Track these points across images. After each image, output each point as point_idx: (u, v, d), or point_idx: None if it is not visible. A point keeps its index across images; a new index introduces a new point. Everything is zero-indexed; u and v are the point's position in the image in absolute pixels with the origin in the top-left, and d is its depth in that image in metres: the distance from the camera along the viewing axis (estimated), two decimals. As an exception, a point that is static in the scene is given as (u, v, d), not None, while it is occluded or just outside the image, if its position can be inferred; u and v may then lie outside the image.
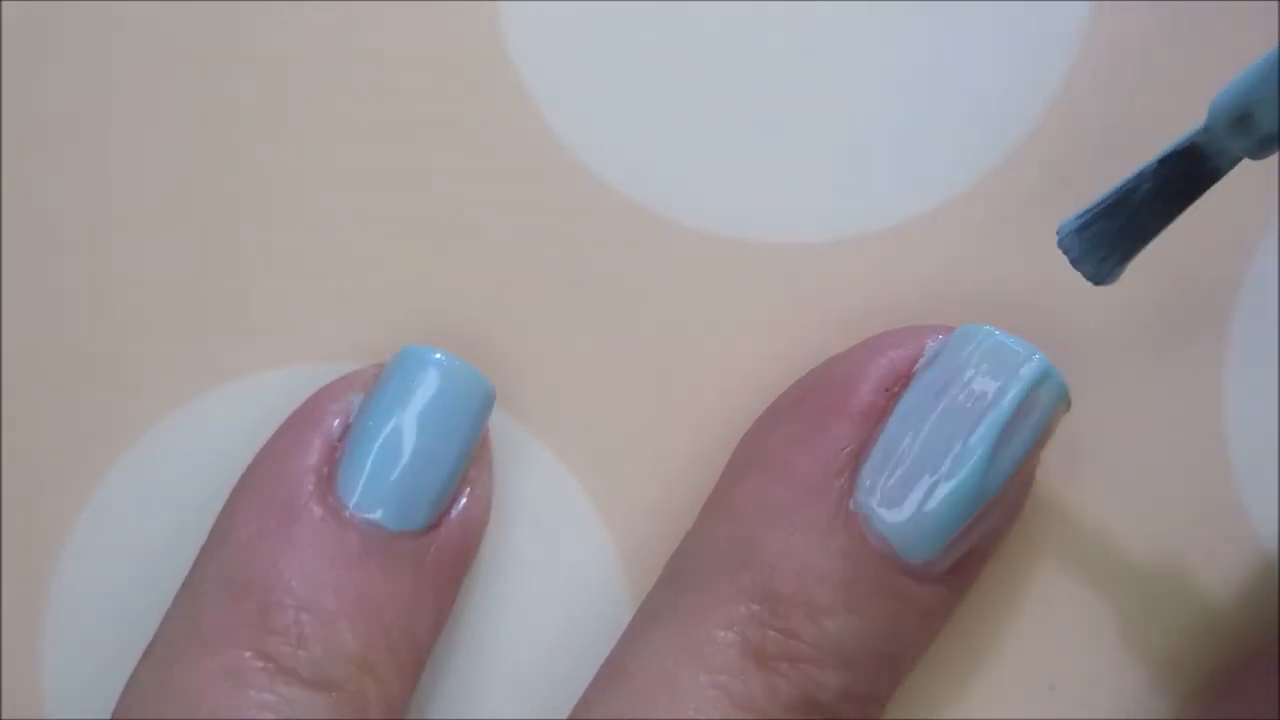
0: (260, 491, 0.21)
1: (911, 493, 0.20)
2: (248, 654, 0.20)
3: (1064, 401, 0.20)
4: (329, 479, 0.21)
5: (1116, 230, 0.19)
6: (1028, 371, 0.20)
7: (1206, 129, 0.18)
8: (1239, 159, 0.18)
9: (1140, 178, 0.18)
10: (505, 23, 0.23)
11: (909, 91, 0.23)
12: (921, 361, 0.20)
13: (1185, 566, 0.22)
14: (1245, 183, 0.22)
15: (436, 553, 0.21)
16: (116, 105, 0.23)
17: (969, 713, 0.22)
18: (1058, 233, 0.19)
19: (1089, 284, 0.22)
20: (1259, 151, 0.17)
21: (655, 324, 0.23)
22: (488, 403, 0.21)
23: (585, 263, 0.23)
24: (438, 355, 0.21)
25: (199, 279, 0.23)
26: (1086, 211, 0.19)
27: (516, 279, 0.23)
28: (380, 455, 0.21)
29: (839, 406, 0.20)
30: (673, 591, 0.21)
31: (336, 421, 0.21)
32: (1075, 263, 0.19)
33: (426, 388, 0.21)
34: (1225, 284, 0.22)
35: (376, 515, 0.20)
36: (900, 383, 0.20)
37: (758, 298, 0.23)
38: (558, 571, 0.22)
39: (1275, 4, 0.22)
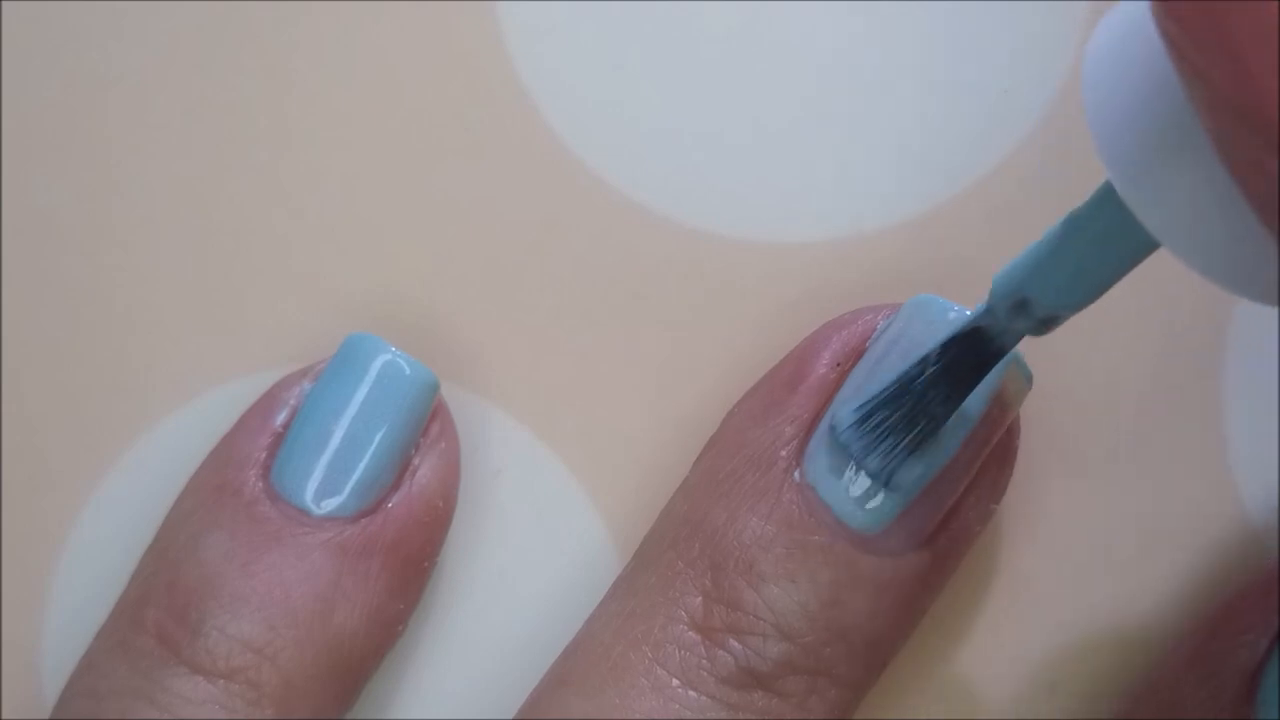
0: (203, 474, 0.21)
1: None
2: (148, 636, 0.20)
3: (1018, 369, 0.20)
4: (267, 464, 0.21)
5: (902, 419, 0.19)
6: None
7: (989, 311, 0.18)
8: (1022, 336, 0.18)
9: (923, 362, 0.18)
10: (505, 23, 0.23)
11: (909, 91, 0.23)
12: (872, 337, 0.21)
13: (1185, 566, 0.22)
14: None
15: (365, 540, 0.21)
16: (116, 105, 0.23)
17: (970, 713, 0.22)
18: (833, 426, 0.19)
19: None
20: (1042, 330, 0.18)
21: (655, 323, 0.23)
22: (424, 391, 0.21)
23: (585, 262, 0.23)
24: (375, 343, 0.21)
25: (199, 279, 0.23)
26: (865, 403, 0.19)
27: (516, 279, 0.23)
28: (310, 441, 0.21)
29: (791, 383, 0.21)
30: (632, 569, 0.21)
31: (285, 410, 0.21)
32: (857, 459, 0.19)
33: (361, 375, 0.21)
34: (1225, 284, 0.22)
35: (303, 500, 0.21)
36: (851, 359, 0.20)
37: (758, 298, 0.23)
38: (559, 571, 0.22)
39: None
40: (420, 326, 0.23)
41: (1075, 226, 0.17)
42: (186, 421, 0.23)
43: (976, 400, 0.19)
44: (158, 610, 0.20)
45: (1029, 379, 0.20)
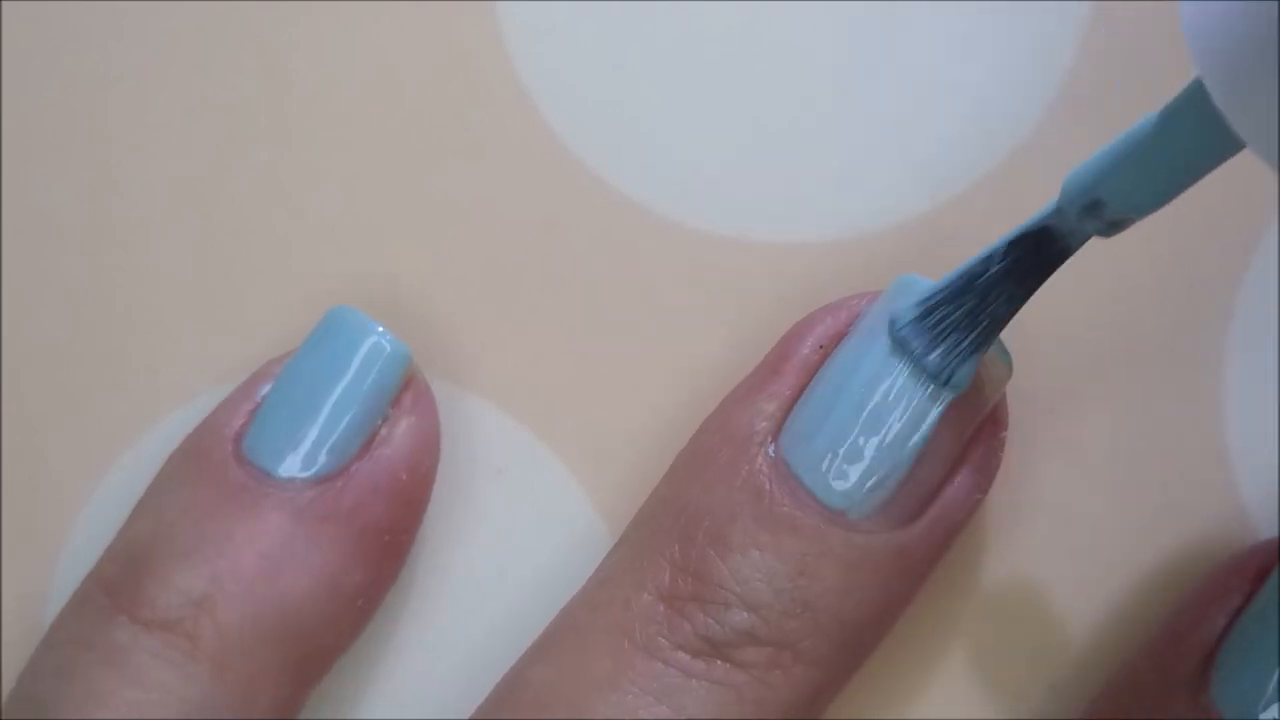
0: (185, 442, 0.22)
1: None
2: (100, 588, 0.20)
3: (997, 354, 0.20)
4: (242, 432, 0.21)
5: (965, 316, 0.18)
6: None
7: (1058, 211, 0.18)
8: (1089, 237, 0.18)
9: (989, 259, 0.18)
10: (505, 22, 0.23)
11: (909, 91, 0.23)
12: (856, 320, 0.21)
13: (1185, 566, 0.22)
14: (1245, 182, 0.22)
15: (321, 504, 0.21)
16: (116, 105, 0.23)
17: (969, 713, 0.22)
18: (893, 322, 0.19)
19: (1088, 284, 0.22)
20: (1110, 232, 0.17)
21: (655, 323, 0.23)
22: (392, 362, 0.21)
23: (585, 262, 0.23)
24: (354, 316, 0.21)
25: (199, 280, 0.23)
26: (929, 297, 0.19)
27: (516, 279, 0.23)
28: (278, 406, 0.21)
29: (776, 365, 0.21)
30: (612, 549, 0.21)
31: (270, 382, 0.22)
32: (917, 357, 0.19)
33: (328, 343, 0.21)
34: (1225, 284, 0.22)
35: (265, 462, 0.21)
36: (834, 341, 0.20)
37: (758, 298, 0.23)
38: (559, 570, 0.22)
39: (1275, 3, 0.22)
40: (420, 326, 0.23)
41: (1159, 129, 0.16)
42: (186, 421, 0.23)
43: (956, 384, 0.19)
44: (111, 564, 0.21)
45: (1009, 365, 0.20)
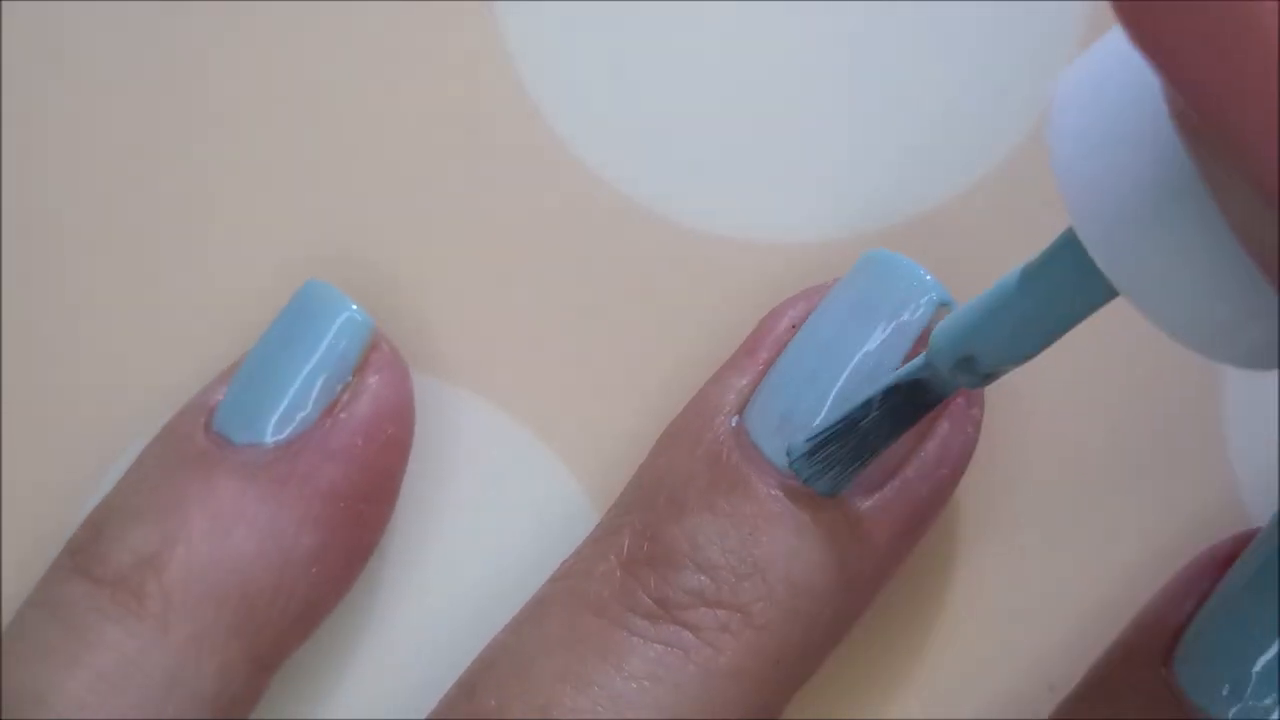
0: (171, 418, 0.22)
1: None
2: (65, 553, 0.21)
3: (942, 306, 0.20)
4: (214, 407, 0.21)
5: (847, 452, 0.19)
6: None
7: (929, 366, 0.18)
8: (963, 386, 0.18)
9: (867, 406, 0.19)
10: (505, 23, 0.23)
11: (909, 91, 0.23)
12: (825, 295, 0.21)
13: (1185, 566, 0.22)
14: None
15: (276, 467, 0.21)
16: (118, 106, 0.23)
17: (969, 713, 0.22)
18: (788, 454, 0.19)
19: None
20: (982, 384, 0.18)
21: (655, 323, 0.23)
22: (349, 328, 0.21)
23: (585, 262, 0.23)
24: (314, 285, 0.22)
25: (200, 280, 0.23)
26: (815, 436, 0.19)
27: (516, 279, 0.23)
28: (242, 376, 0.21)
29: (751, 345, 0.21)
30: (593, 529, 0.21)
31: None
32: (808, 482, 0.19)
33: (291, 314, 0.22)
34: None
35: (226, 428, 0.21)
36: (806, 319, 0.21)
37: (758, 298, 0.23)
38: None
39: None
40: (420, 326, 0.23)
41: (1027, 284, 0.17)
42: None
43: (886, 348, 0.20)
44: (80, 530, 0.21)
45: (952, 308, 0.20)
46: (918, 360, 0.18)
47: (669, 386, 0.23)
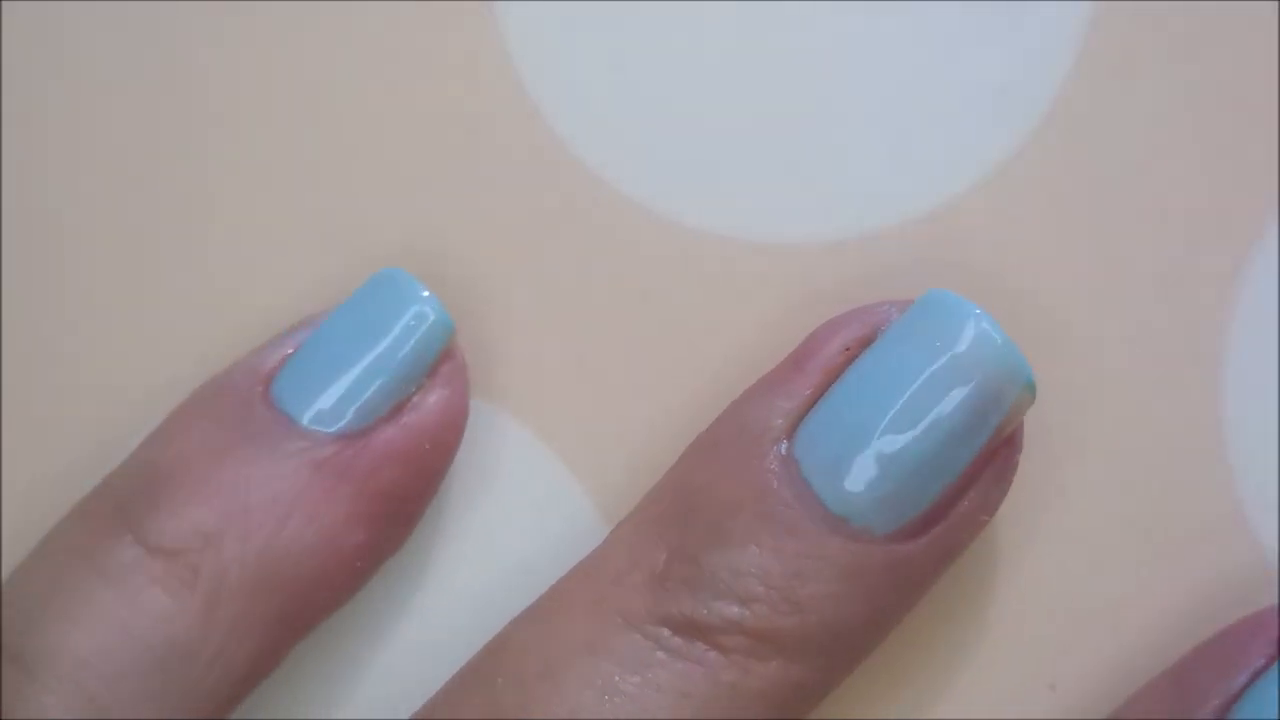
0: (216, 376, 0.22)
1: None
2: (108, 503, 0.20)
3: (1026, 391, 0.20)
4: (273, 374, 0.21)
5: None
6: (981, 357, 0.19)
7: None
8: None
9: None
10: (505, 23, 0.23)
11: (909, 91, 0.23)
12: (884, 328, 0.20)
13: (1185, 566, 0.22)
14: (1244, 182, 0.22)
15: (340, 460, 0.21)
16: (119, 105, 0.23)
17: (969, 713, 0.22)
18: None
19: (1089, 284, 0.22)
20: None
21: (655, 323, 0.23)
22: (434, 330, 0.21)
23: (585, 262, 0.23)
24: (396, 273, 0.21)
25: (201, 279, 0.23)
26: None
27: (516, 279, 0.23)
28: (312, 355, 0.21)
29: (799, 362, 0.20)
30: (618, 526, 0.21)
31: (310, 329, 0.22)
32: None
33: (373, 301, 0.21)
34: (1225, 284, 0.22)
35: (291, 408, 0.21)
36: (860, 346, 0.20)
37: (758, 298, 0.23)
38: (559, 571, 0.22)
39: (1275, 4, 0.23)
40: (420, 326, 0.23)
41: None
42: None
43: (961, 417, 0.19)
44: (124, 480, 0.21)
45: (1033, 393, 0.20)
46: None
47: (669, 386, 0.23)
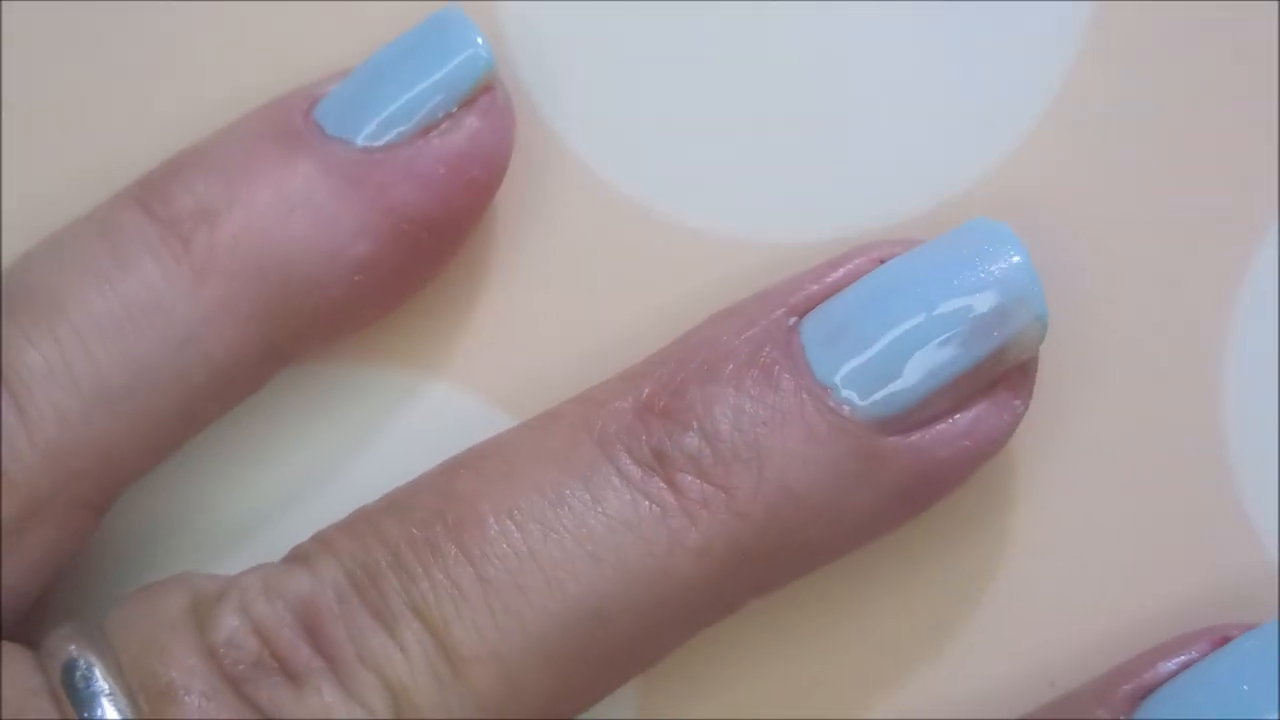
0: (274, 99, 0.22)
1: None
2: (135, 183, 0.21)
3: (1039, 321, 0.20)
4: (322, 97, 0.22)
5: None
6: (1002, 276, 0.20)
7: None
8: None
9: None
10: (505, 22, 0.23)
11: (909, 91, 0.23)
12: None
13: (1185, 566, 0.22)
14: (1245, 182, 0.22)
15: (353, 166, 0.21)
16: (119, 104, 0.23)
17: (970, 711, 0.22)
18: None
19: (1089, 283, 0.22)
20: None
21: (655, 324, 0.23)
22: (471, 61, 0.21)
23: (584, 262, 0.23)
24: (451, 9, 0.21)
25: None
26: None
27: (516, 278, 0.23)
28: (355, 76, 0.21)
29: (835, 262, 0.21)
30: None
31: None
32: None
33: (419, 31, 0.21)
34: (1225, 284, 0.22)
35: (322, 117, 0.21)
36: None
37: (758, 297, 0.23)
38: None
39: (1275, 4, 0.23)
40: (419, 326, 0.23)
41: None
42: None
43: (987, 327, 0.20)
44: (161, 165, 0.21)
45: (1044, 325, 0.20)
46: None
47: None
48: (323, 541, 0.20)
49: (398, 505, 0.20)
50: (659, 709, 0.22)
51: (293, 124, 0.21)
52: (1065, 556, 0.22)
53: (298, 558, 0.20)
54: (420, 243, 0.21)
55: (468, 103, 0.21)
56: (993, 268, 0.20)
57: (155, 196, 0.21)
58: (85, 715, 0.18)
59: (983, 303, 0.20)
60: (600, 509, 0.19)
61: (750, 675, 0.22)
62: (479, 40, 0.21)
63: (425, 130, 0.21)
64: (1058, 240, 0.22)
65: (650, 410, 0.20)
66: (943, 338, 0.19)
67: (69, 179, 0.23)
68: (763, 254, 0.23)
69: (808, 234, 0.23)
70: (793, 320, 0.20)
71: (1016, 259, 0.20)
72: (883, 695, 0.22)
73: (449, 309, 0.23)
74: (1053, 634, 0.22)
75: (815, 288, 0.21)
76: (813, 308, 0.20)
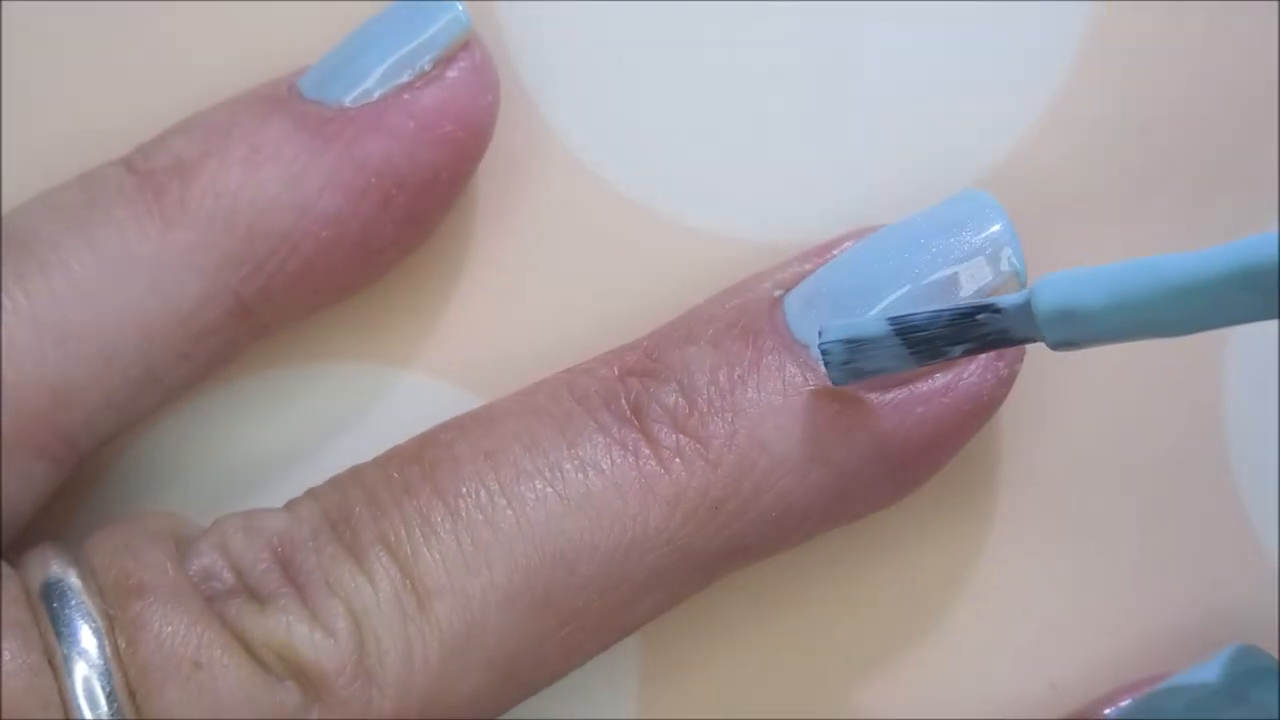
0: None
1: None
2: (125, 157, 0.21)
3: (1015, 276, 0.20)
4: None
5: (879, 355, 0.19)
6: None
7: (1025, 309, 0.18)
8: (1026, 342, 0.18)
9: (933, 320, 0.19)
10: (505, 21, 0.23)
11: (909, 91, 0.23)
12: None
13: (1185, 566, 0.22)
14: (1245, 182, 0.22)
15: (324, 124, 0.21)
16: (120, 103, 0.23)
17: (970, 713, 0.22)
18: (820, 332, 0.20)
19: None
20: (1062, 346, 0.18)
21: (655, 323, 0.23)
22: (450, 24, 0.21)
23: (584, 262, 0.23)
24: None
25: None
26: (857, 328, 0.19)
27: (516, 278, 0.23)
28: (341, 42, 0.22)
29: (829, 244, 0.21)
30: None
31: None
32: (824, 361, 0.19)
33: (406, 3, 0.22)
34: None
35: (303, 82, 0.22)
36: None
37: (758, 297, 0.23)
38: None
39: (1275, 4, 0.23)
40: (419, 325, 0.23)
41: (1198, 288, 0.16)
42: (186, 422, 0.23)
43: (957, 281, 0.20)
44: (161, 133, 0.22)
45: (1020, 282, 0.20)
46: (1017, 297, 0.18)
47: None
48: (309, 492, 0.20)
49: (381, 458, 0.20)
50: (659, 709, 0.22)
51: (275, 91, 0.22)
52: (1065, 557, 0.22)
53: (285, 506, 0.20)
54: (391, 199, 0.21)
55: (444, 61, 0.21)
56: (974, 233, 0.20)
57: (138, 154, 0.21)
58: (55, 605, 0.19)
59: (961, 262, 0.20)
60: (575, 455, 0.20)
61: (750, 676, 0.22)
62: (459, 7, 0.21)
63: (399, 89, 0.21)
64: (1058, 240, 0.22)
65: (630, 372, 0.20)
66: (919, 296, 0.20)
67: (69, 178, 0.23)
68: (763, 254, 0.23)
69: (808, 234, 0.23)
70: (779, 292, 0.21)
71: (997, 227, 0.20)
72: (883, 695, 0.22)
73: (447, 309, 0.23)
74: (1053, 635, 0.22)
75: (805, 267, 0.21)
76: (801, 280, 0.21)
